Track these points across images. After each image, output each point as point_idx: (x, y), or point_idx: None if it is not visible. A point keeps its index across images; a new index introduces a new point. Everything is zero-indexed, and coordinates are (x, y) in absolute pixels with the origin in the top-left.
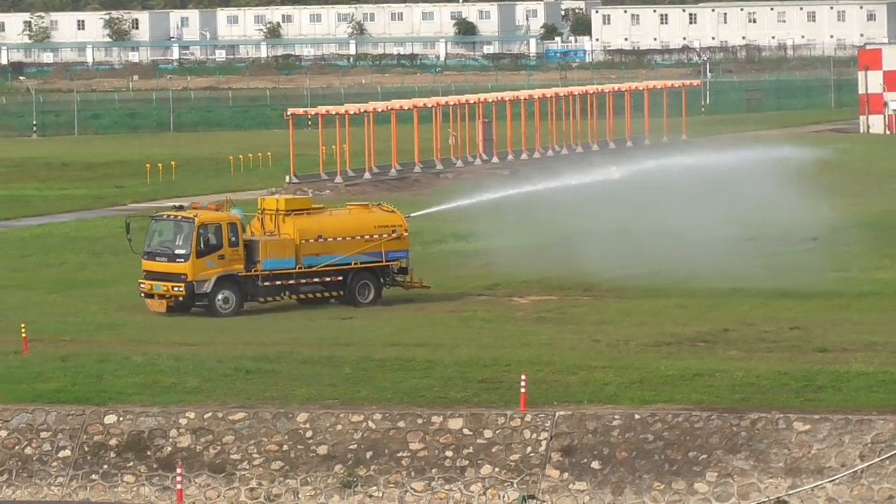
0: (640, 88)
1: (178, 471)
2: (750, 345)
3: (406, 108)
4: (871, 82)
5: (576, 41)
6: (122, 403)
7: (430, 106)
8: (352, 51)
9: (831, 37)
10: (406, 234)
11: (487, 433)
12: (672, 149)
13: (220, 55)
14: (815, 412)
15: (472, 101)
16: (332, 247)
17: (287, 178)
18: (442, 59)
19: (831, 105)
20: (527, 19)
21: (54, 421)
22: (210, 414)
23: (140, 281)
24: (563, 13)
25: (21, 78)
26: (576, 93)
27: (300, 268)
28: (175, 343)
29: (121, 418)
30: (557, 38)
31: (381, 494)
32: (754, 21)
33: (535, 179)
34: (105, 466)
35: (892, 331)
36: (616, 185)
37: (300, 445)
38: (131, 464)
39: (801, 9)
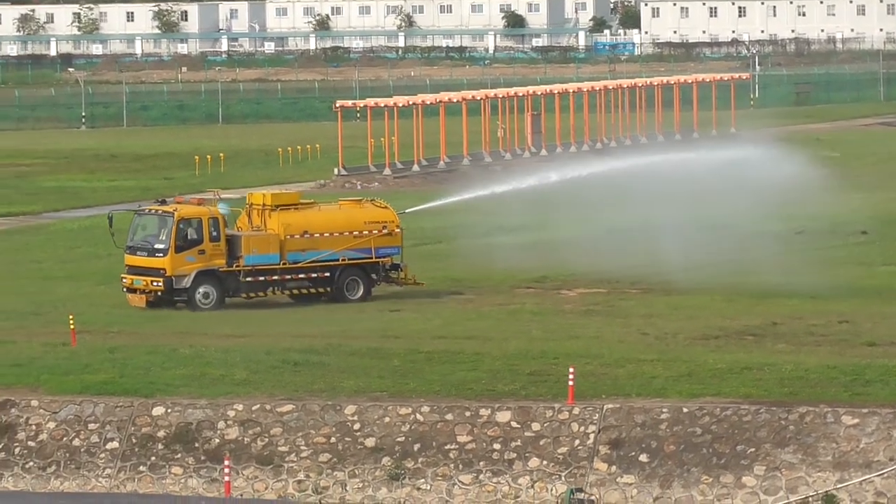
0: (689, 81)
1: (226, 463)
2: (798, 338)
3: (455, 100)
4: None
5: (625, 34)
6: (169, 395)
7: (478, 98)
8: (400, 43)
9: (881, 30)
10: (398, 230)
11: (535, 426)
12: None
13: (269, 47)
14: (864, 406)
15: (520, 94)
16: (319, 243)
17: (335, 170)
18: (491, 51)
19: (881, 98)
20: (576, 12)
21: (102, 412)
22: (258, 406)
23: (122, 276)
24: (612, 6)
25: (70, 70)
26: (624, 86)
27: (284, 263)
28: (223, 335)
29: (169, 410)
30: (606, 31)
31: (428, 487)
32: (804, 14)
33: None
34: (153, 458)
35: None
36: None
37: (348, 438)
38: (179, 456)
39: (851, 2)
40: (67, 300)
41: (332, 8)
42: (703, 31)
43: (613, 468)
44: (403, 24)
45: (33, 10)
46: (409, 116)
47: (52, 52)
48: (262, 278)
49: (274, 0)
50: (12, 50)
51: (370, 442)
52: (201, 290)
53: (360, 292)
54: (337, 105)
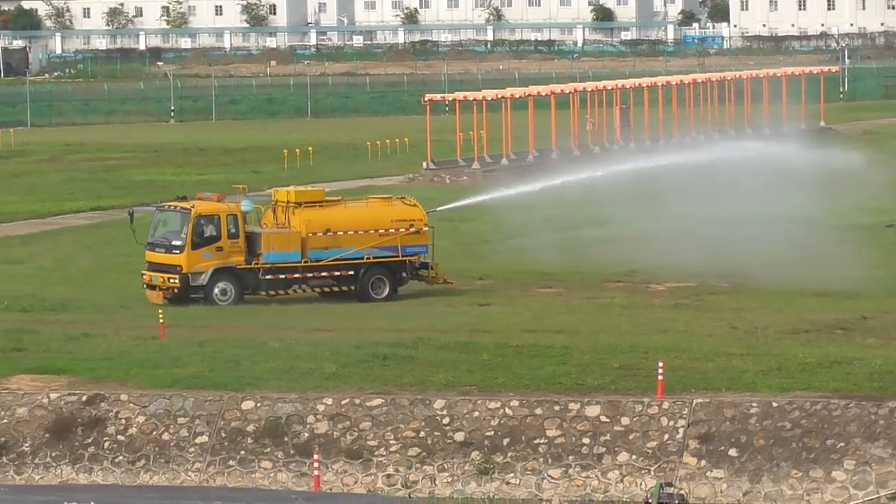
0: (778, 75)
1: (316, 457)
2: (889, 332)
3: (543, 94)
4: None
5: (713, 27)
6: (259, 389)
7: (567, 92)
8: (489, 36)
9: None
10: (426, 228)
11: (625, 420)
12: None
13: (358, 41)
14: None
15: (609, 88)
16: (342, 240)
17: (424, 163)
18: (579, 45)
19: None
20: (664, 5)
21: (192, 406)
22: (347, 400)
23: (142, 272)
24: None
25: (159, 63)
26: (713, 79)
27: (306, 261)
28: (312, 329)
29: (258, 404)
30: (695, 25)
31: (517, 481)
32: (893, 7)
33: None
34: (242, 452)
35: None
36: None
37: (437, 432)
38: (268, 450)
39: None
40: None
41: (421, 1)
42: (792, 25)
43: (703, 462)
44: (492, 17)
45: (122, 4)
46: (497, 110)
47: (141, 46)
48: (282, 276)
49: None
50: (101, 44)
51: (459, 436)
52: (219, 287)
53: (386, 291)
54: (426, 99)
